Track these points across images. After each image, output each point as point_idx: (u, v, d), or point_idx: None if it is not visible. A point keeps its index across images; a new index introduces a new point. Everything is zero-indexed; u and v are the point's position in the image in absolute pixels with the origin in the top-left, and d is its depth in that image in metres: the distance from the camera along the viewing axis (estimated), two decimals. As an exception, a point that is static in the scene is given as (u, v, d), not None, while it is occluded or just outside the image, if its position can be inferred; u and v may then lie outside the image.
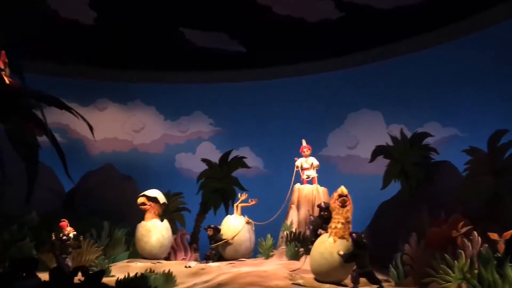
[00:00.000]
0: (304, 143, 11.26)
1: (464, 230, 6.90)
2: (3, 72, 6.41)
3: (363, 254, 7.12)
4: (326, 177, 11.47)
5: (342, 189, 7.59)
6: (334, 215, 7.57)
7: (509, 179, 7.96)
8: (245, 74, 16.15)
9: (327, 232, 7.68)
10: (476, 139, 10.41)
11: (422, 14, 12.23)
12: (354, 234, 7.15)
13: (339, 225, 7.41)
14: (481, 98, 12.02)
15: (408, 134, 10.91)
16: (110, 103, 16.48)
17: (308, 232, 9.61)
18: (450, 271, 7.09)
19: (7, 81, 6.31)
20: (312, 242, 8.06)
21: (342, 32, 13.78)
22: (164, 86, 16.48)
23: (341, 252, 7.23)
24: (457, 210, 8.14)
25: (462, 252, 7.02)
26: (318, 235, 7.99)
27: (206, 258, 10.35)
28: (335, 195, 7.66)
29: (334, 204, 7.60)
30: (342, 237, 7.36)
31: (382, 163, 11.76)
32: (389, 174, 10.34)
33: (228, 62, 15.52)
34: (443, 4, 11.56)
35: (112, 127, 16.20)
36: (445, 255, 7.22)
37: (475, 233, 6.96)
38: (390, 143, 11.15)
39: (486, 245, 6.76)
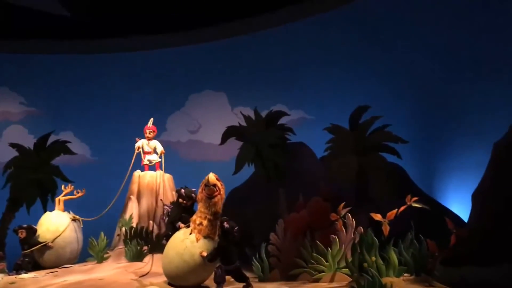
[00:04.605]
0: (150, 123, 9.67)
1: (344, 211, 6.19)
2: None
3: (232, 248, 5.89)
4: (167, 164, 10.05)
5: (210, 177, 6.06)
6: (200, 207, 6.13)
7: (373, 157, 7.60)
8: (67, 45, 13.66)
9: (187, 225, 6.22)
10: (323, 121, 10.20)
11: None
12: (226, 224, 5.84)
13: (205, 222, 6.01)
14: (327, 80, 11.94)
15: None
16: None
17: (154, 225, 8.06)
18: (323, 260, 6.33)
19: None
20: (168, 237, 6.50)
21: (183, 3, 12.38)
22: (-44, 54, 13.06)
23: (205, 254, 5.89)
24: (319, 193, 7.54)
25: (336, 237, 6.34)
26: (176, 229, 6.46)
27: (17, 269, 8.26)
28: (202, 183, 6.14)
29: (201, 194, 6.12)
30: (207, 236, 5.98)
31: (227, 147, 10.92)
32: (243, 157, 9.33)
33: (46, 28, 12.83)
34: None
35: None
36: (317, 242, 6.45)
37: (349, 215, 6.32)
38: (238, 125, 10.24)
39: (361, 228, 6.17)
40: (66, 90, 13.87)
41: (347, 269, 5.88)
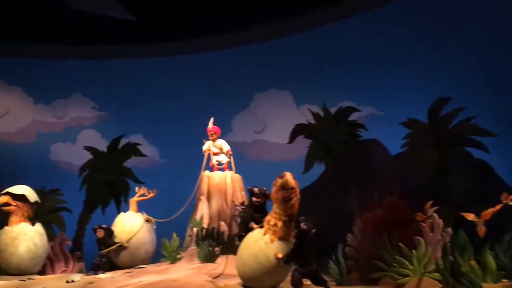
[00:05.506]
0: (210, 124, 9.62)
1: (431, 211, 5.76)
2: None
3: (308, 250, 5.63)
4: (234, 165, 9.97)
5: (288, 180, 5.64)
6: (274, 208, 5.90)
7: (456, 152, 7.07)
8: (135, 49, 13.99)
9: (260, 226, 6.03)
10: (393, 116, 9.77)
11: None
12: (304, 225, 5.58)
13: (280, 223, 5.76)
14: (395, 75, 11.39)
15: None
16: (-41, 82, 13.31)
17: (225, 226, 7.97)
18: (407, 263, 5.92)
19: None
20: (241, 238, 6.36)
21: (245, 3, 12.29)
22: (33, 62, 13.84)
23: (280, 255, 5.65)
24: (393, 190, 7.14)
25: (421, 239, 5.91)
26: (249, 229, 6.29)
27: (94, 269, 8.34)
28: (278, 184, 5.78)
29: (277, 195, 5.86)
30: (282, 238, 5.76)
31: (294, 146, 10.72)
32: (312, 155, 9.11)
33: (114, 34, 13.19)
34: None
35: (-36, 113, 13.18)
36: (400, 244, 6.04)
37: (436, 215, 5.87)
38: (306, 123, 10.03)
39: (449, 229, 5.72)
40: (135, 94, 14.19)
41: (436, 273, 5.44)
